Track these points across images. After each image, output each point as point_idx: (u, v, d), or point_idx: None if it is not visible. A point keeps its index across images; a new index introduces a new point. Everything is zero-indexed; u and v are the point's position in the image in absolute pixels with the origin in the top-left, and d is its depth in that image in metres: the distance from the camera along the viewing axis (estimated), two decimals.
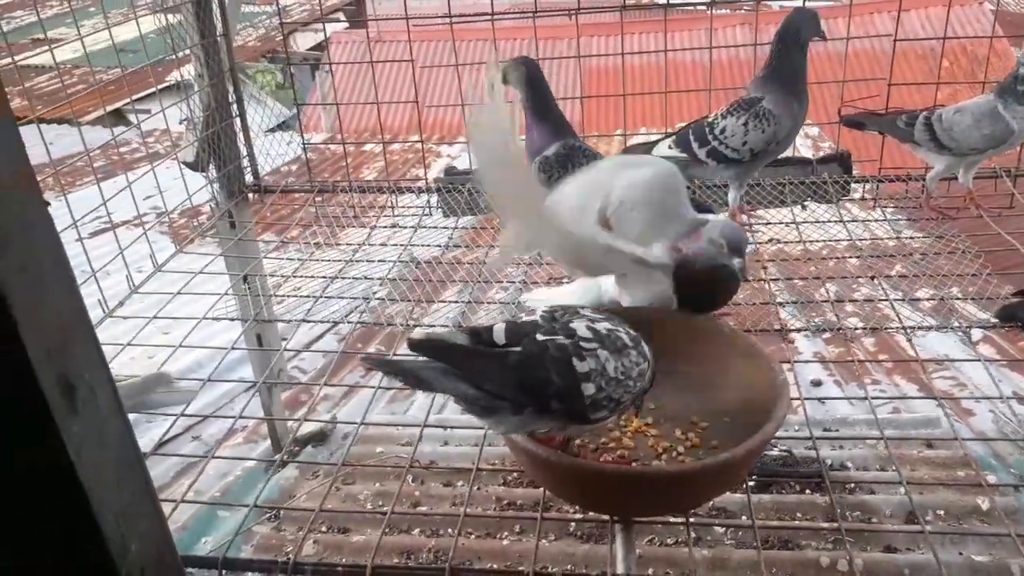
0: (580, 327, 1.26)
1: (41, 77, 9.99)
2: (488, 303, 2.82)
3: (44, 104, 8.48)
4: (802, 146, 6.86)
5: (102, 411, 0.84)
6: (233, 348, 2.00)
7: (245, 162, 2.72)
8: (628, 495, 1.38)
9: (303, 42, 11.86)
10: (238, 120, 2.67)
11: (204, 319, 2.07)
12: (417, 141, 2.70)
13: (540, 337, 1.23)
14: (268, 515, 2.56)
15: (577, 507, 1.76)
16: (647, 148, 2.49)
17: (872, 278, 2.16)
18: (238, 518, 2.59)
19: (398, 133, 8.88)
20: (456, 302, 2.89)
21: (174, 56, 2.45)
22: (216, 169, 2.61)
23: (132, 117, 7.95)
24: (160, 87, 2.67)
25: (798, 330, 2.10)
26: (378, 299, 2.23)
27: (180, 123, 2.60)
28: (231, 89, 2.65)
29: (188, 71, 2.53)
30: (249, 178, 2.73)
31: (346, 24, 11.14)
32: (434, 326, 2.48)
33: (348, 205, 2.69)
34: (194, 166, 2.56)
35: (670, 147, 2.40)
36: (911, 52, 7.74)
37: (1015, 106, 2.19)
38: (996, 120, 2.21)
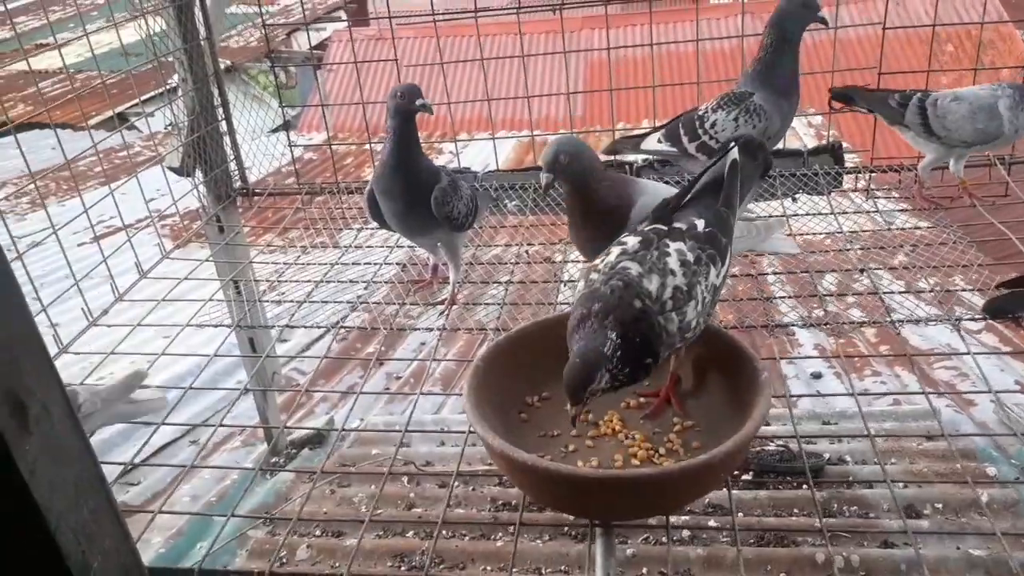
0: None
1: (44, 82, 10.03)
2: (484, 304, 2.80)
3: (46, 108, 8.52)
4: (805, 135, 6.80)
5: (57, 429, 0.83)
6: (216, 356, 1.99)
7: (232, 166, 2.71)
8: (605, 499, 1.36)
9: (304, 41, 11.84)
10: (224, 124, 2.66)
11: (189, 326, 2.06)
12: None
13: None
14: (263, 519, 2.56)
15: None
16: (636, 142, 2.46)
17: (862, 271, 2.13)
18: (235, 522, 2.60)
19: None
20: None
21: (156, 62, 2.45)
22: (203, 173, 2.60)
23: (137, 120, 7.98)
24: (162, 90, 2.66)
25: (785, 325, 2.07)
26: (363, 304, 2.21)
27: (165, 128, 2.59)
28: (216, 93, 2.64)
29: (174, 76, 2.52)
30: (237, 182, 2.72)
31: (345, 23, 11.12)
32: (431, 329, 2.47)
33: (337, 207, 2.68)
34: (180, 171, 2.55)
35: (659, 141, 2.35)
36: (914, 37, 7.65)
37: (1021, 109, 2.12)
38: (992, 116, 2.15)
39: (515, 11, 2.62)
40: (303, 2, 9.97)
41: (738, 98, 2.21)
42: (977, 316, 1.87)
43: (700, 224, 1.45)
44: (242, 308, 2.27)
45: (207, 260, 2.42)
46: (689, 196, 1.53)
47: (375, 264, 2.45)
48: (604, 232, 1.67)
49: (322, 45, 10.82)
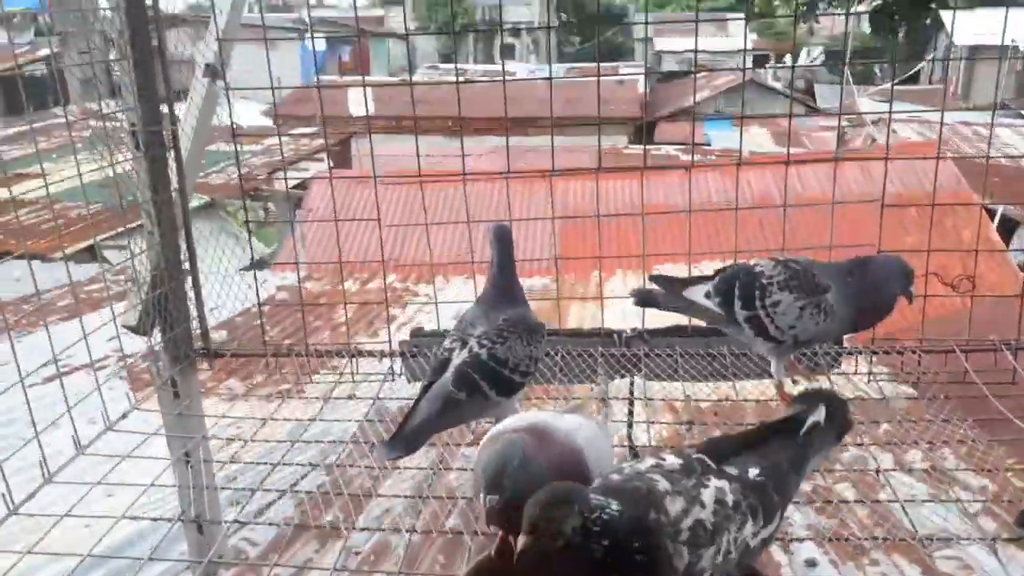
0: None
1: (21, 211, 9.91)
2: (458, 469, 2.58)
3: (19, 239, 8.37)
4: None
5: None
6: (152, 559, 1.73)
7: (195, 324, 2.53)
8: None
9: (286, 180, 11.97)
10: (190, 279, 2.50)
11: (125, 518, 1.82)
12: (380, 297, 2.53)
13: None
14: None
15: None
16: (675, 287, 2.20)
17: (859, 444, 1.97)
18: None
19: (376, 271, 8.81)
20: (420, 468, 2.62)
21: (122, 210, 2.32)
22: (161, 332, 2.41)
23: (109, 254, 7.84)
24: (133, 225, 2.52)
25: None
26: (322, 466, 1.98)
27: (126, 285, 2.43)
28: (184, 247, 2.50)
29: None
30: (198, 342, 2.53)
31: (326, 164, 11.31)
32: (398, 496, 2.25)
33: (304, 371, 2.50)
34: (137, 329, 2.37)
35: (707, 296, 2.13)
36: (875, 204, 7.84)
37: None
38: None
39: (504, 175, 2.55)
40: (282, 143, 10.15)
41: (813, 288, 2.04)
42: (1014, 536, 1.69)
43: (752, 472, 1.27)
44: (191, 494, 2.02)
45: (156, 433, 2.19)
46: (748, 447, 1.37)
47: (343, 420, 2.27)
48: None
49: (303, 185, 10.94)
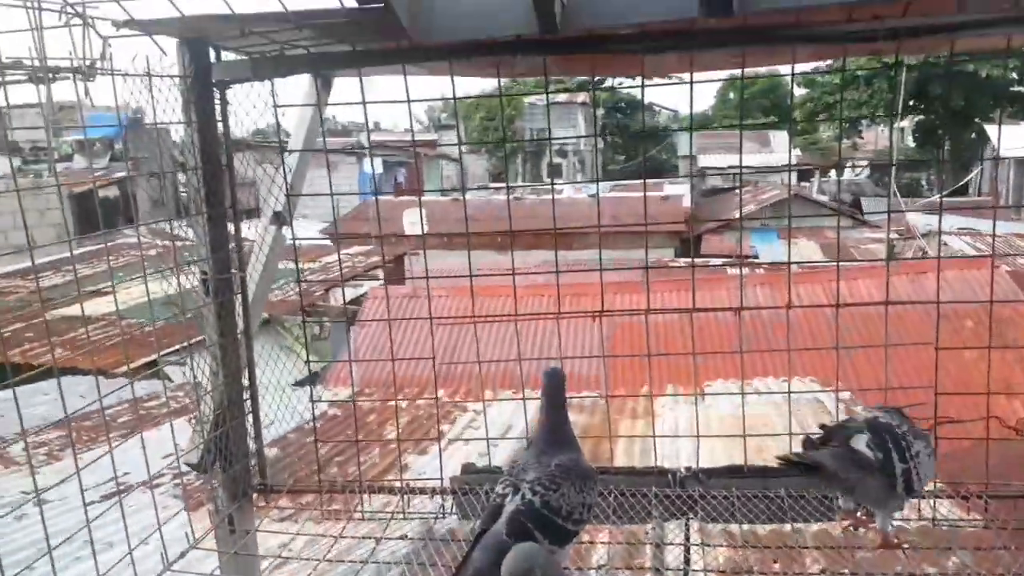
0: None
1: (91, 327, 10.27)
2: None
3: (84, 355, 8.69)
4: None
5: None
6: None
7: (253, 461, 2.58)
8: None
9: (341, 297, 12.31)
10: (251, 418, 2.57)
11: None
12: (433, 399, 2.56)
13: None
14: None
15: None
16: (840, 434, 2.05)
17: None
18: None
19: (425, 385, 8.88)
20: None
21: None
22: (221, 470, 2.47)
23: (169, 370, 8.06)
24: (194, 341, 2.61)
25: None
26: None
27: (190, 423, 2.51)
28: (247, 384, 2.58)
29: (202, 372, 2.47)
30: (255, 478, 2.58)
31: (381, 281, 11.62)
32: None
33: (357, 509, 2.52)
34: (198, 467, 2.43)
35: (868, 447, 1.98)
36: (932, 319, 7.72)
37: None
38: None
39: (555, 316, 2.62)
40: (342, 262, 10.50)
41: (921, 434, 2.04)
42: None
43: None
44: None
45: (212, 574, 2.21)
46: None
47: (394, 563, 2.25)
48: None
49: (358, 301, 11.22)
